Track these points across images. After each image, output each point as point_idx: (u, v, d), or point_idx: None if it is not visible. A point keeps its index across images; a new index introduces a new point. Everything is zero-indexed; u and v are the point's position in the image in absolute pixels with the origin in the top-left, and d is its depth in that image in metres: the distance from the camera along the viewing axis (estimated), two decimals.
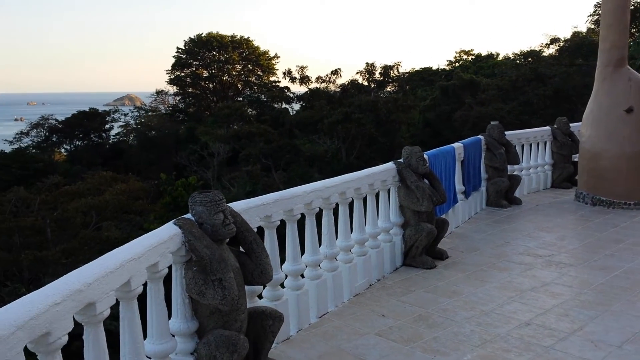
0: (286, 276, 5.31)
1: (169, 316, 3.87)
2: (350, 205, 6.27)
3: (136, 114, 53.08)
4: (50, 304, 2.65)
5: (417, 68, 52.05)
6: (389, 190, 7.10)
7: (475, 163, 9.74)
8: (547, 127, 12.12)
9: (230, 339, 3.80)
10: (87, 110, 49.32)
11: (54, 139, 48.70)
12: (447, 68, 51.86)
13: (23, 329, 2.48)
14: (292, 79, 44.77)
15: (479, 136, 10.20)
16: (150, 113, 52.90)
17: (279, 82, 52.83)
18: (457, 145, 9.12)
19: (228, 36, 55.77)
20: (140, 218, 27.57)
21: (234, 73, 56.32)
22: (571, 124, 12.13)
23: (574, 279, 6.54)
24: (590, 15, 38.20)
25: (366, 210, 6.62)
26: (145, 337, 3.63)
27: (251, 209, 4.68)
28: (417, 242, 7.00)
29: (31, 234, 23.20)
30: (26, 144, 47.06)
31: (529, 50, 43.40)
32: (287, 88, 48.21)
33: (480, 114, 32.29)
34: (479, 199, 10.05)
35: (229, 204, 4.27)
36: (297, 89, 47.50)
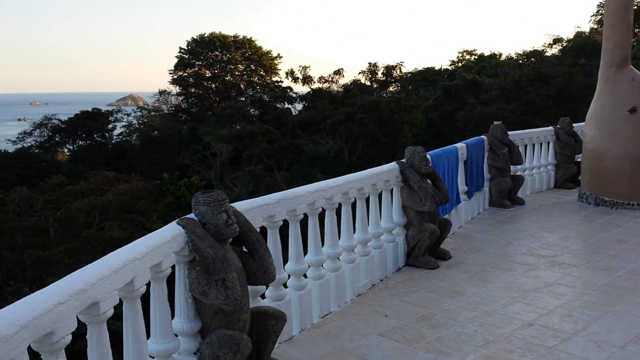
0: (289, 276, 5.32)
1: (172, 316, 3.87)
2: (353, 205, 6.27)
3: (139, 114, 53.19)
4: (54, 303, 2.66)
5: (420, 68, 52.09)
6: (391, 191, 7.09)
7: (478, 163, 9.73)
8: (550, 127, 12.10)
9: (233, 338, 3.80)
10: (90, 110, 49.42)
11: (57, 139, 48.83)
12: (449, 68, 51.83)
13: (27, 329, 2.48)
14: (295, 79, 44.76)
15: (482, 136, 10.19)
16: (153, 113, 53.00)
17: (282, 82, 52.92)
18: (460, 146, 9.11)
19: (231, 36, 55.83)
20: (143, 218, 27.60)
21: (237, 73, 56.36)
22: (574, 124, 12.11)
23: (577, 280, 6.52)
24: (594, 15, 38.22)
25: (369, 211, 6.62)
26: (148, 336, 3.64)
27: (254, 209, 4.69)
28: (419, 242, 6.99)
29: (34, 233, 23.23)
30: (29, 144, 47.17)
31: (531, 50, 43.36)
32: (290, 88, 48.24)
33: (483, 114, 32.25)
34: (482, 199, 10.04)
35: (232, 204, 4.27)
36: (300, 89, 47.54)
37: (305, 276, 5.51)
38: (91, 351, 3.08)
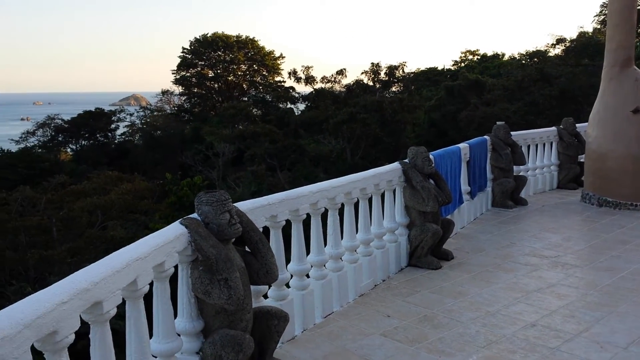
0: (291, 276, 5.32)
1: (175, 315, 3.88)
2: (356, 205, 6.27)
3: (142, 113, 53.23)
4: (57, 302, 2.66)
5: (423, 68, 51.95)
6: (394, 191, 7.09)
7: (481, 163, 9.72)
8: (554, 128, 12.08)
9: (235, 338, 3.80)
10: (93, 110, 49.48)
11: (60, 139, 48.88)
12: (452, 68, 51.76)
13: (30, 328, 2.49)
14: (298, 79, 44.76)
15: (485, 136, 10.18)
16: (155, 113, 53.04)
17: (284, 82, 52.94)
18: (463, 146, 9.10)
19: (233, 36, 55.84)
20: (145, 217, 27.63)
21: (239, 73, 56.39)
22: (577, 125, 12.09)
23: (580, 280, 6.51)
24: (597, 15, 38.10)
25: (372, 211, 6.61)
26: (151, 336, 3.64)
27: (257, 208, 4.69)
28: (422, 242, 6.99)
29: (37, 233, 23.27)
30: (32, 144, 47.24)
31: (534, 50, 43.29)
32: (292, 88, 48.26)
33: (485, 114, 32.20)
34: (485, 200, 10.03)
35: (234, 204, 4.28)
36: (302, 89, 47.54)
37: (307, 276, 5.51)
38: (94, 350, 3.08)
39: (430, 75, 49.47)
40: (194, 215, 4.05)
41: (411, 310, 5.70)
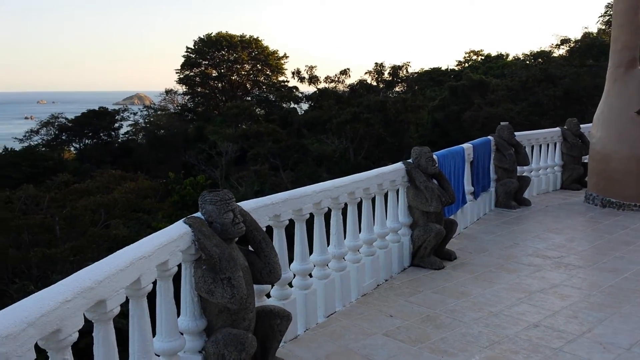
0: (294, 275, 5.32)
1: (178, 314, 3.88)
2: (359, 205, 6.27)
3: (145, 113, 53.25)
4: (61, 301, 2.67)
5: (426, 68, 51.95)
6: (397, 191, 7.09)
7: (485, 164, 9.71)
8: (557, 128, 12.06)
9: (238, 337, 3.81)
10: (97, 109, 49.50)
11: (63, 138, 48.96)
12: (456, 68, 51.69)
13: (34, 326, 2.50)
14: (301, 79, 44.78)
15: (489, 137, 10.16)
16: (159, 112, 53.06)
17: (288, 81, 52.97)
18: (467, 146, 9.09)
19: (237, 36, 55.90)
20: (148, 216, 27.68)
21: (243, 73, 56.43)
22: (581, 125, 12.07)
23: (583, 281, 6.50)
24: (601, 15, 38.07)
25: (375, 211, 6.61)
26: (154, 334, 3.65)
27: (260, 208, 4.70)
28: (425, 242, 6.99)
29: (40, 231, 23.33)
30: (36, 142, 47.32)
31: (539, 50, 43.18)
32: (296, 88, 48.25)
33: (489, 114, 32.15)
34: (488, 200, 10.02)
35: (238, 203, 4.28)
36: (306, 88, 47.55)
37: (310, 275, 5.51)
38: (97, 349, 3.09)
39: (434, 76, 49.43)
40: (198, 214, 4.06)
41: (414, 310, 5.70)
